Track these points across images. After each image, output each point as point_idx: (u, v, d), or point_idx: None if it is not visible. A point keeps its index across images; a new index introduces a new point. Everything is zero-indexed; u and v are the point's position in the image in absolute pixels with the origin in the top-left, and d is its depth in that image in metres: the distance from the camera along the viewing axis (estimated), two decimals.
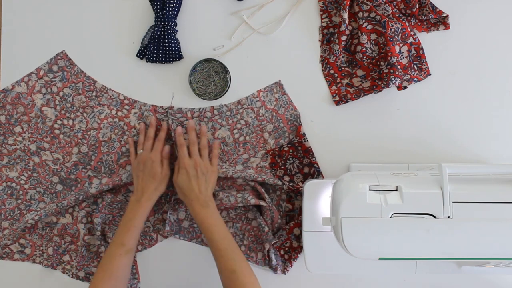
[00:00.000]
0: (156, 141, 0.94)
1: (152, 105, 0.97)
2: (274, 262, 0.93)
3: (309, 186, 0.90)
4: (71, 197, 0.95)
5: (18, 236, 0.97)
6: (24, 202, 0.97)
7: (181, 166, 0.91)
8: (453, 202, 0.69)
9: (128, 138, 0.97)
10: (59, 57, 0.98)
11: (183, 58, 0.96)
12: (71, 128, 0.97)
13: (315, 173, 0.95)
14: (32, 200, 0.97)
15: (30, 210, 0.97)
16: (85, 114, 0.97)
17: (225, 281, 0.84)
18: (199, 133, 0.95)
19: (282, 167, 0.96)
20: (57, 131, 0.97)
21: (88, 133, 0.97)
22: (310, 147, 0.95)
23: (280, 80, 0.97)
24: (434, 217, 0.69)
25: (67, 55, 0.97)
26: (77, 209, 0.96)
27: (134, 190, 0.91)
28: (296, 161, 0.96)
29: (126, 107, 0.98)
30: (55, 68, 0.97)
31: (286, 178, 0.96)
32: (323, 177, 0.96)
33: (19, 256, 0.97)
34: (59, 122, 0.97)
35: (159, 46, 0.94)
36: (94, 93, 0.97)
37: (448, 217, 0.69)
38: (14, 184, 0.97)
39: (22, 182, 0.97)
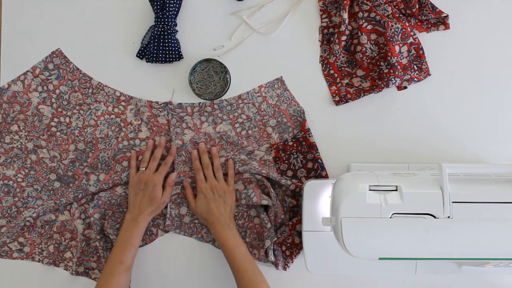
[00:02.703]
0: (162, 164, 0.94)
1: (148, 101, 0.97)
2: (271, 257, 0.93)
3: (309, 186, 0.90)
4: (70, 195, 0.95)
5: (17, 234, 0.97)
6: (21, 199, 0.97)
7: (198, 190, 0.92)
8: (453, 202, 0.69)
9: (132, 150, 0.96)
10: (54, 55, 0.98)
11: (183, 58, 0.96)
12: (68, 126, 0.97)
13: (319, 168, 0.95)
14: (30, 197, 0.97)
15: (28, 208, 0.97)
16: (81, 111, 0.98)
17: None
18: (211, 155, 0.96)
19: (286, 161, 0.96)
20: (54, 129, 0.97)
21: (85, 130, 0.97)
22: (314, 142, 0.96)
23: (281, 76, 0.97)
24: (434, 217, 0.69)
25: (62, 53, 0.98)
26: (75, 205, 0.96)
27: (130, 207, 0.91)
28: (300, 156, 0.96)
29: (123, 103, 0.98)
30: (50, 66, 0.98)
31: (290, 172, 0.96)
32: (327, 173, 0.96)
33: (18, 255, 0.97)
34: (55, 119, 0.97)
35: (159, 46, 0.94)
36: (90, 90, 0.98)
37: (448, 217, 0.69)
38: (11, 182, 0.97)
39: (19, 180, 0.97)
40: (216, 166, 0.94)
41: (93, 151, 0.97)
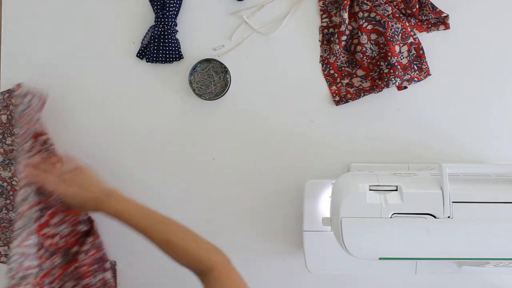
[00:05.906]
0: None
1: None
2: None
3: (309, 186, 0.90)
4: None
5: (10, 240, 0.96)
6: (13, 203, 0.97)
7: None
8: (453, 202, 0.69)
9: None
10: None
11: (183, 58, 0.96)
12: None
13: None
14: None
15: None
16: None
17: (170, 254, 0.76)
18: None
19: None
20: None
21: None
22: None
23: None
24: (434, 217, 0.69)
25: None
26: None
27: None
28: None
29: None
30: None
31: None
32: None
33: (5, 259, 0.96)
34: None
35: (159, 46, 0.94)
36: None
37: (448, 217, 0.69)
38: (5, 184, 0.97)
39: (14, 183, 0.97)
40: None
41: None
